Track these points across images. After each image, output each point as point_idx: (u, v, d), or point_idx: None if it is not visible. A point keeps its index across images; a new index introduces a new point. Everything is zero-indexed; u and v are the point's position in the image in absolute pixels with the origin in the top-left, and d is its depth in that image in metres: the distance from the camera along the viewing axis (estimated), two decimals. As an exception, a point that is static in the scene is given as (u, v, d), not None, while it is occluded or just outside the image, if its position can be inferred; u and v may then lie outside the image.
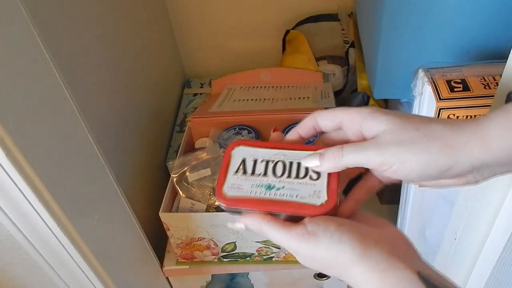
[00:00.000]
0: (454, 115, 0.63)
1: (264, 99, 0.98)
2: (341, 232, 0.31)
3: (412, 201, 0.74)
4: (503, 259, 0.51)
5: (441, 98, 0.56)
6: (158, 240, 0.83)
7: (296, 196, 0.34)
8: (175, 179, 0.78)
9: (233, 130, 0.88)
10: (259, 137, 0.86)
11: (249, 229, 0.35)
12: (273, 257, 0.81)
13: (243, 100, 0.99)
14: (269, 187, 0.34)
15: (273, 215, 0.34)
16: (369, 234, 0.32)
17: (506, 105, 0.31)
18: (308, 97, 0.96)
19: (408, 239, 0.33)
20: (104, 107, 0.68)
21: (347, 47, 1.05)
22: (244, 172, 0.35)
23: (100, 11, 0.68)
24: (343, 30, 1.09)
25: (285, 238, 0.33)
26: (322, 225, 0.32)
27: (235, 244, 0.78)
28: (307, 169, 0.35)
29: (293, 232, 0.32)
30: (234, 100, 0.99)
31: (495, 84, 0.56)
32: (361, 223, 0.33)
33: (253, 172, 0.35)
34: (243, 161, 0.36)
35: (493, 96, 0.47)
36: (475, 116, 0.64)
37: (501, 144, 0.30)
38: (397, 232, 0.34)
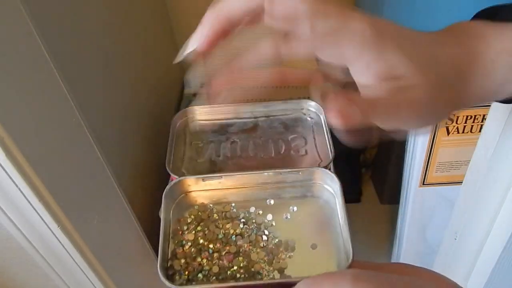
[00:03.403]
0: (453, 115, 0.63)
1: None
2: None
3: (412, 201, 0.74)
4: (503, 259, 0.51)
5: (441, 98, 0.56)
6: (158, 241, 0.83)
7: None
8: (175, 179, 0.78)
9: (233, 130, 0.87)
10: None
11: None
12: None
13: (243, 100, 0.99)
14: None
15: None
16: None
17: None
18: (308, 97, 0.96)
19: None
20: (104, 107, 0.68)
21: (347, 47, 1.05)
22: None
23: (100, 11, 0.68)
24: (343, 30, 1.09)
25: None
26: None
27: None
28: None
29: None
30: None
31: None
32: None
33: None
34: None
35: (493, 96, 0.47)
36: (475, 116, 0.64)
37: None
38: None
